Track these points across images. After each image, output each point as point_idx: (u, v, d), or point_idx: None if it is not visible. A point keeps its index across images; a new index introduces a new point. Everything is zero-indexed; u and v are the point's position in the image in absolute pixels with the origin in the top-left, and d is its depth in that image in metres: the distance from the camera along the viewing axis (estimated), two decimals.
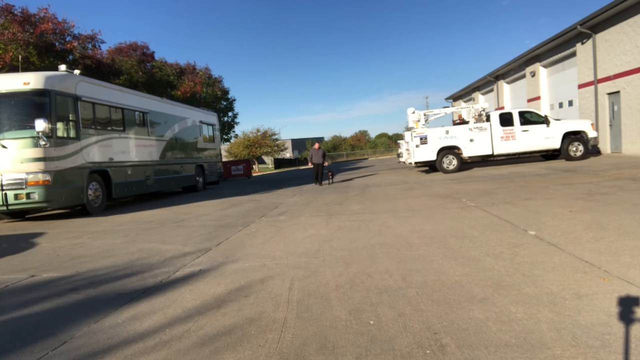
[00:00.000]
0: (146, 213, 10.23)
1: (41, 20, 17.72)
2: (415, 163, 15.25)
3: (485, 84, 30.12)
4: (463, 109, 17.88)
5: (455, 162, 14.78)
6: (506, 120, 14.60)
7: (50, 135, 9.23)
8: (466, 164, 16.11)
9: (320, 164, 15.14)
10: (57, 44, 18.28)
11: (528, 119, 14.66)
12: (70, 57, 18.69)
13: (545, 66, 21.49)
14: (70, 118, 10.14)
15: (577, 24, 16.86)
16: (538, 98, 21.82)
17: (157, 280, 4.04)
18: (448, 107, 30.96)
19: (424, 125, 15.54)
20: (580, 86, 17.97)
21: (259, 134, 47.32)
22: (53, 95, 9.53)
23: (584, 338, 2.25)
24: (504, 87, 27.13)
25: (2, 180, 8.98)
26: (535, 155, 15.44)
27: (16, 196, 9.02)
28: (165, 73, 27.20)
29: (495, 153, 14.71)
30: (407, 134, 15.85)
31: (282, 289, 3.48)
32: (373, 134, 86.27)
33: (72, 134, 10.15)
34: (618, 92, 15.63)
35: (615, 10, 14.92)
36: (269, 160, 56.22)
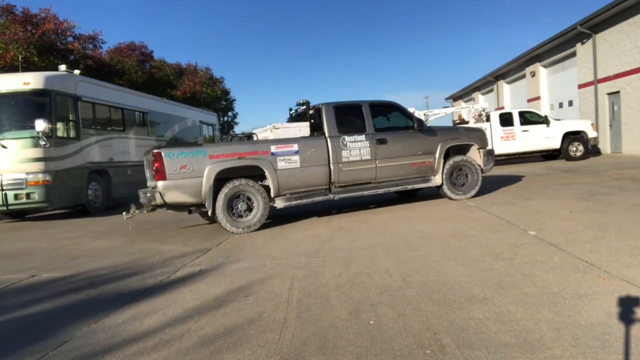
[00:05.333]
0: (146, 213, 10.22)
1: (43, 21, 17.73)
2: None
3: (485, 84, 30.12)
4: (463, 109, 17.90)
5: None
6: (506, 120, 14.60)
7: (50, 135, 9.23)
8: None
9: None
10: (58, 44, 18.29)
11: (528, 119, 14.66)
12: (72, 57, 18.71)
13: (545, 66, 21.49)
14: (70, 118, 10.14)
15: (577, 24, 16.86)
16: (538, 98, 21.82)
17: (157, 280, 4.04)
18: (448, 107, 30.95)
19: None
20: (580, 86, 17.97)
21: None
22: (53, 95, 9.53)
23: (584, 338, 2.25)
24: (504, 87, 27.13)
25: (2, 180, 8.98)
26: (535, 155, 15.43)
27: (16, 196, 9.02)
28: (165, 73, 27.21)
29: (495, 153, 14.70)
30: None
31: (282, 289, 3.48)
32: None
33: (72, 134, 10.15)
34: (618, 92, 15.62)
35: (615, 10, 14.91)
36: None
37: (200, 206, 6.45)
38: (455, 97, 37.32)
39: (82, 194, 10.15)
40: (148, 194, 6.25)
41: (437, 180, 7.45)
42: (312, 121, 7.50)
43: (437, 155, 7.38)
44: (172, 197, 6.15)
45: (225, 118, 34.67)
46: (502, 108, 25.34)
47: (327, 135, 6.90)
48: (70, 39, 19.27)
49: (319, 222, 6.76)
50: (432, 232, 5.26)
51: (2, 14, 16.81)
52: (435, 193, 9.26)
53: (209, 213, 6.35)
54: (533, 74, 22.23)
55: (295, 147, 6.67)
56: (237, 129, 44.57)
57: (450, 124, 19.97)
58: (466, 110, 17.07)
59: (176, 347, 2.54)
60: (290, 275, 3.85)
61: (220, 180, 6.32)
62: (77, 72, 11.13)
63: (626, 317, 2.46)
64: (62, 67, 10.60)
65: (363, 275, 3.69)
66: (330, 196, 6.91)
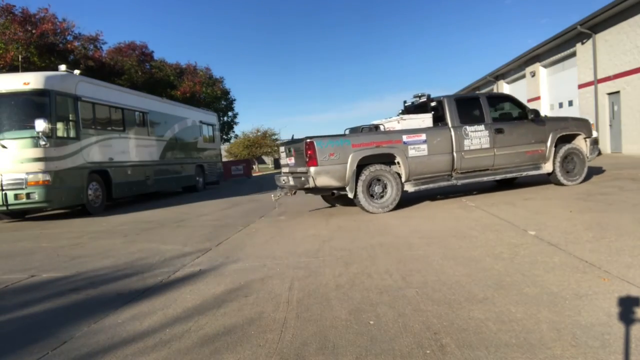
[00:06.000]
0: (146, 213, 10.24)
1: (41, 20, 17.72)
2: None
3: (485, 84, 30.12)
4: None
5: None
6: None
7: (50, 135, 9.23)
8: None
9: None
10: (58, 44, 18.28)
11: None
12: (72, 57, 18.70)
13: (545, 66, 21.49)
14: (71, 118, 10.15)
15: (577, 24, 16.86)
16: (538, 98, 21.82)
17: (157, 280, 4.03)
18: None
19: None
20: (580, 86, 17.97)
21: (259, 134, 47.36)
22: (53, 95, 9.53)
23: (584, 338, 2.25)
24: (504, 87, 27.12)
25: (2, 180, 8.98)
26: None
27: (16, 196, 9.02)
28: (165, 73, 27.19)
29: None
30: None
31: (282, 289, 3.47)
32: None
33: (72, 134, 10.15)
34: (618, 92, 15.63)
35: (615, 10, 14.91)
36: (269, 160, 56.24)
37: (341, 189, 7.14)
38: None
39: (82, 194, 10.15)
40: (302, 178, 7.03)
41: (547, 167, 8.07)
42: (433, 112, 7.96)
43: (548, 143, 7.94)
44: (322, 181, 6.90)
45: (225, 118, 34.64)
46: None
47: (450, 125, 7.55)
48: (69, 38, 19.27)
49: (319, 222, 6.76)
50: (432, 232, 5.26)
51: (2, 14, 16.81)
52: (433, 194, 9.27)
53: (351, 195, 7.04)
54: (533, 74, 22.23)
55: (423, 136, 7.34)
56: (237, 129, 44.70)
57: None
58: None
59: (176, 347, 2.54)
60: (290, 275, 3.85)
61: (359, 166, 7.02)
62: (77, 72, 11.13)
63: (626, 317, 2.46)
64: (62, 67, 10.60)
65: (363, 275, 3.69)
66: (453, 182, 7.62)
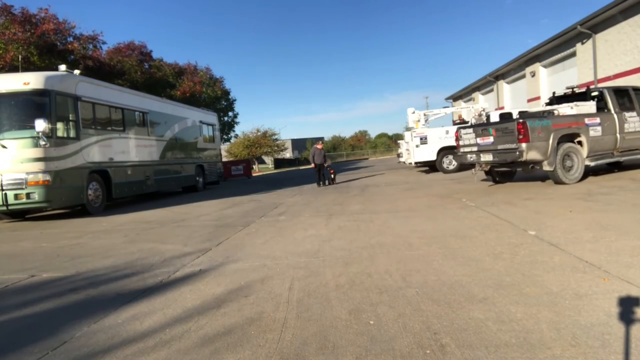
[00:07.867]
0: (146, 213, 10.23)
1: (42, 21, 17.72)
2: (415, 163, 15.25)
3: (485, 84, 30.13)
4: (463, 109, 17.88)
5: (455, 162, 14.80)
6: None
7: (50, 135, 9.23)
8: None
9: (322, 164, 15.10)
10: (58, 44, 18.28)
11: None
12: (71, 57, 18.69)
13: (545, 66, 21.49)
14: (71, 118, 10.15)
15: (577, 24, 16.87)
16: (538, 98, 21.82)
17: (157, 280, 4.03)
18: (448, 107, 30.95)
19: (424, 125, 15.55)
20: (581, 86, 17.94)
21: (259, 134, 47.36)
22: (53, 95, 9.53)
23: (584, 338, 2.25)
24: (504, 87, 27.14)
25: (2, 180, 8.98)
26: None
27: (16, 196, 9.02)
28: (164, 73, 27.17)
29: None
30: (407, 134, 15.88)
31: (282, 289, 3.47)
32: (373, 134, 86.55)
33: (72, 134, 10.15)
34: None
35: (615, 10, 14.92)
36: (269, 160, 56.24)
37: (538, 163, 8.18)
38: (455, 97, 37.35)
39: (82, 194, 10.15)
40: (516, 152, 8.06)
41: None
42: (592, 100, 9.23)
43: None
44: (531, 155, 7.99)
45: (226, 118, 34.61)
46: (502, 108, 25.35)
47: (613, 111, 8.94)
48: (70, 39, 19.26)
49: (319, 222, 6.77)
50: (432, 232, 5.26)
51: (1, 14, 16.80)
52: (436, 193, 9.27)
53: (550, 168, 8.15)
54: (533, 74, 22.24)
55: (598, 120, 8.67)
56: (237, 129, 44.73)
57: (450, 124, 19.99)
58: (466, 110, 17.06)
59: (176, 347, 2.54)
60: (290, 275, 3.85)
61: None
62: (77, 72, 11.13)
63: (626, 317, 2.46)
64: (62, 67, 10.60)
65: (363, 275, 3.69)
66: (616, 159, 9.03)
